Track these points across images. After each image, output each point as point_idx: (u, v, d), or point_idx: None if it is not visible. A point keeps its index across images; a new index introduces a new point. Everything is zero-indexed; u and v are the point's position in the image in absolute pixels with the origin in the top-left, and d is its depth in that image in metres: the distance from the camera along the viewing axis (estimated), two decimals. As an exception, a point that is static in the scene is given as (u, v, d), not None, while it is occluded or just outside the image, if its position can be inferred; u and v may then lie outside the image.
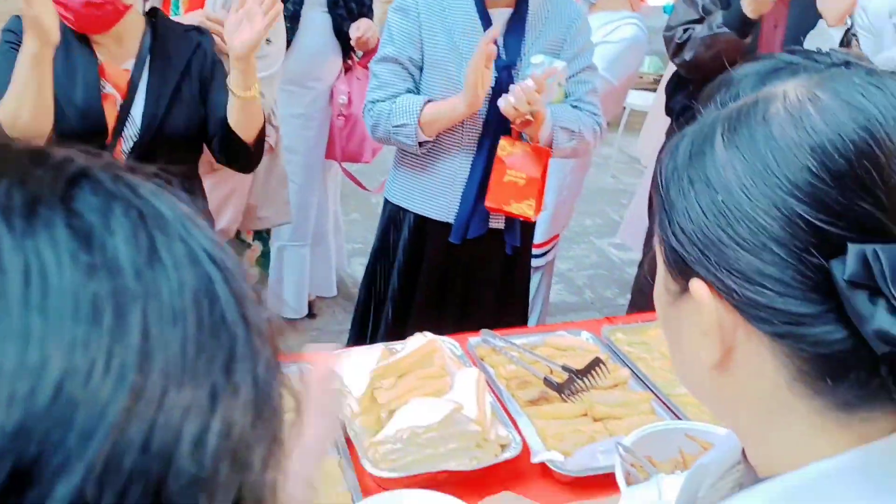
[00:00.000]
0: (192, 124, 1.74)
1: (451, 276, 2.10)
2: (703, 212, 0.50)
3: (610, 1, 2.60)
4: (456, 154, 1.99)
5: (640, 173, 5.22)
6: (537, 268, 2.91)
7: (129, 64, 1.71)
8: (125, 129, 1.68)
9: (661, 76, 5.00)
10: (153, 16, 1.76)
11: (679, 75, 2.60)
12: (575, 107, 1.97)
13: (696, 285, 0.51)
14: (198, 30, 1.83)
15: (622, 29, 2.54)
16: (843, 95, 0.47)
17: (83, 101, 1.64)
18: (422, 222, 2.07)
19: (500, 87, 1.87)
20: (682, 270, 0.52)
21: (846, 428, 0.49)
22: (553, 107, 1.91)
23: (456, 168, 1.99)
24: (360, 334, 2.29)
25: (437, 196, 2.02)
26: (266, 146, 1.87)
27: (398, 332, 2.13)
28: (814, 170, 0.46)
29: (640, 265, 3.02)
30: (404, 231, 2.11)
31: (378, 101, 1.93)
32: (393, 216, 2.14)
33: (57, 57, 1.55)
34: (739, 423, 0.56)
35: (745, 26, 2.24)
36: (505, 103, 1.80)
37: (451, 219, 2.01)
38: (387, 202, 2.16)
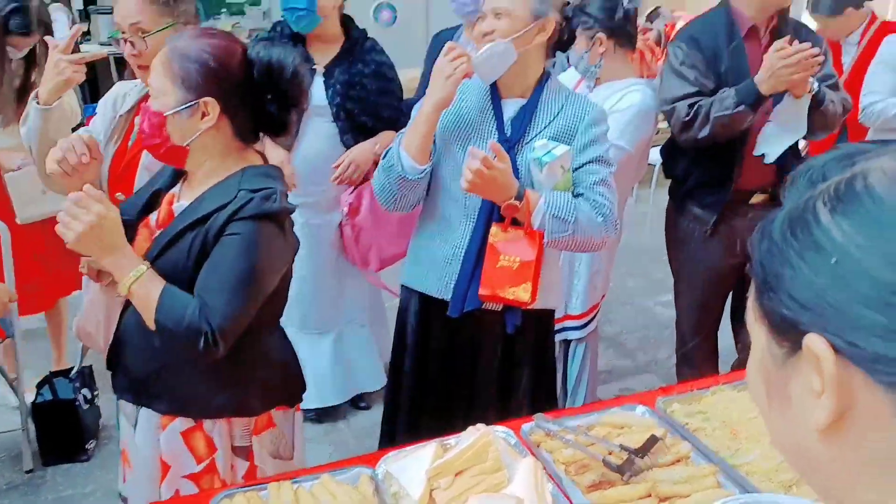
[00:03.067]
0: (177, 279, 1.51)
1: (456, 358, 2.11)
2: (815, 277, 0.53)
3: (613, 71, 2.62)
4: (454, 234, 2.03)
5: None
6: (580, 339, 2.88)
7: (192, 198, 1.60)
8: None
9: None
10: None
11: (675, 142, 2.63)
12: (579, 195, 1.95)
13: (814, 340, 0.52)
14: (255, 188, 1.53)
15: (629, 97, 2.56)
16: None
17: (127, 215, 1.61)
18: (426, 303, 2.10)
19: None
20: (794, 333, 0.54)
21: None
22: (552, 194, 1.90)
23: (455, 248, 2.02)
24: (390, 428, 2.27)
25: (438, 275, 2.06)
26: None
27: (413, 421, 2.14)
28: None
29: (677, 324, 2.97)
30: (411, 315, 2.15)
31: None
32: (404, 301, 2.19)
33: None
34: (848, 492, 0.55)
35: (759, 102, 2.32)
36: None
37: (449, 294, 2.04)
38: (402, 287, 2.22)
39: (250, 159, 1.61)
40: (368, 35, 2.91)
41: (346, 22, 2.86)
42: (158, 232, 1.60)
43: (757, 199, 2.60)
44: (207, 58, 1.49)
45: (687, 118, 2.44)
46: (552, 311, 2.21)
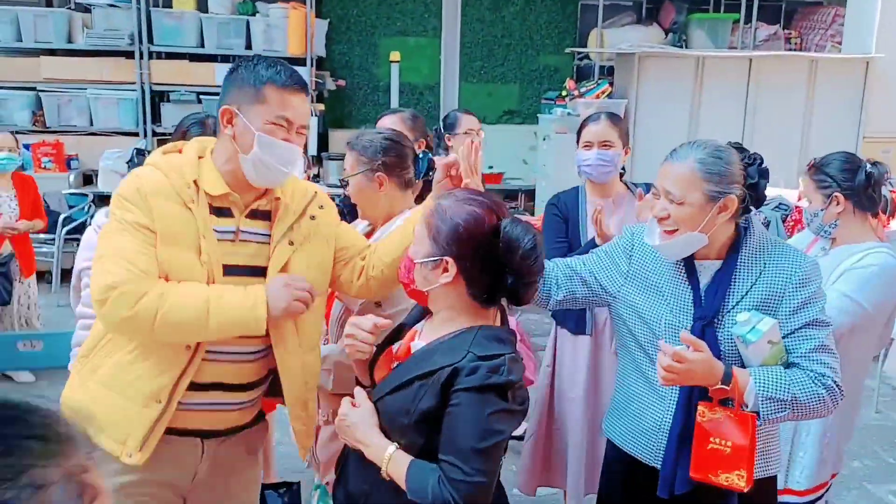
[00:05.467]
0: (399, 419, 1.57)
1: None
2: None
3: (850, 234, 2.47)
4: (661, 401, 1.89)
5: (911, 408, 4.64)
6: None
7: (430, 340, 1.65)
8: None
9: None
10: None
11: None
12: (794, 364, 1.78)
13: None
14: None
15: (872, 256, 2.39)
16: None
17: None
18: (634, 468, 1.95)
19: (697, 335, 1.78)
20: None
21: None
22: (762, 371, 1.75)
23: (662, 418, 1.88)
24: None
25: (648, 442, 1.92)
26: None
27: None
28: None
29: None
30: (618, 476, 2.02)
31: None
32: (611, 456, 2.07)
33: None
34: None
35: None
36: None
37: (659, 463, 1.89)
38: (608, 441, 2.09)
39: (487, 317, 1.63)
40: None
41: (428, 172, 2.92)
42: (396, 364, 1.67)
43: None
44: (460, 224, 1.55)
45: None
46: (774, 477, 2.00)
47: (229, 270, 1.79)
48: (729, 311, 1.81)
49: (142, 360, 1.77)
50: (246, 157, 1.77)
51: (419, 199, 2.66)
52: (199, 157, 1.83)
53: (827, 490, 2.70)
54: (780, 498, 2.51)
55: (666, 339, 1.79)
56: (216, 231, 1.79)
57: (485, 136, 8.69)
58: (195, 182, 1.78)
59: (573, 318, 2.90)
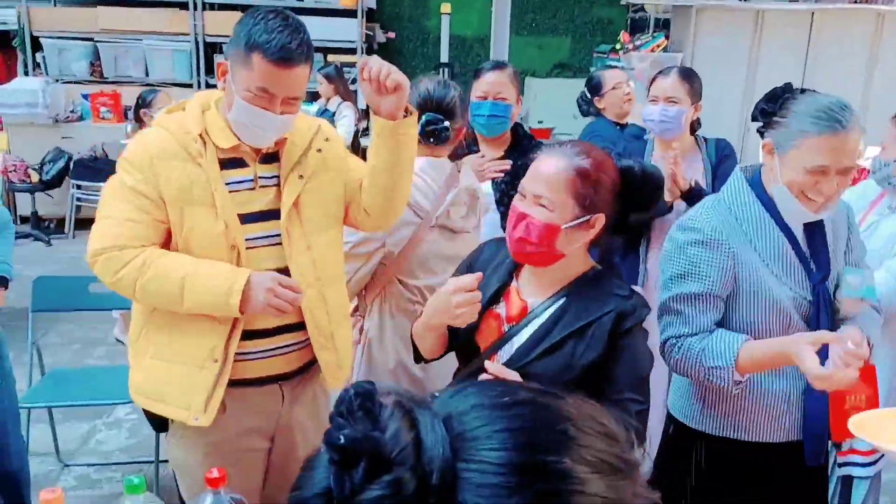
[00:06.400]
0: (560, 378, 1.53)
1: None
2: None
3: None
4: (784, 374, 1.82)
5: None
6: (863, 478, 2.58)
7: (544, 296, 1.63)
8: (501, 350, 1.63)
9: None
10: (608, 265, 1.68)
11: None
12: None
13: None
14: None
15: None
16: None
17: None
18: (719, 445, 1.88)
19: (818, 302, 1.77)
20: None
21: None
22: (866, 322, 1.81)
23: (790, 388, 1.83)
24: None
25: (779, 419, 1.85)
26: None
27: None
28: None
29: None
30: (703, 462, 1.93)
31: (685, 335, 1.77)
32: (681, 438, 1.96)
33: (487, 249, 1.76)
34: None
35: None
36: (834, 374, 1.58)
37: (768, 438, 1.86)
38: (671, 419, 2.00)
39: (587, 258, 1.66)
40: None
41: (516, 127, 2.85)
42: (508, 327, 1.64)
43: None
44: (603, 177, 1.56)
45: None
46: None
47: (246, 218, 1.79)
48: (834, 267, 1.83)
49: (188, 327, 1.79)
50: (230, 115, 1.77)
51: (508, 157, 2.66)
52: (205, 111, 1.81)
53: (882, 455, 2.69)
54: (844, 458, 2.53)
55: (793, 314, 1.78)
56: (233, 182, 1.78)
57: (536, 90, 8.44)
58: (202, 135, 1.77)
59: (625, 270, 2.90)
